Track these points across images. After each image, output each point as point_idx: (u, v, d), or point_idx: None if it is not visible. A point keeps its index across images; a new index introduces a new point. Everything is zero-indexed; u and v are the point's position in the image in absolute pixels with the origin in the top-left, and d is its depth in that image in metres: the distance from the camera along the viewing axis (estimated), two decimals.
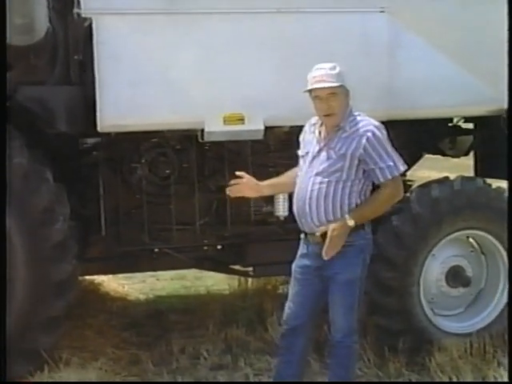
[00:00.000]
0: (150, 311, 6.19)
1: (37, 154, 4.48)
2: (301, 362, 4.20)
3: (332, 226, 3.84)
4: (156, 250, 5.17)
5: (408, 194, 5.15)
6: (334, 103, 3.84)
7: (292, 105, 4.40)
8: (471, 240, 5.29)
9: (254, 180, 4.12)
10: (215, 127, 4.45)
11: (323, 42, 4.66)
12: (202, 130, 4.56)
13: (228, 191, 4.15)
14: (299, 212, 3.96)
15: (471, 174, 5.61)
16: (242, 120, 4.50)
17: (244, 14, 4.53)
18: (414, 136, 5.47)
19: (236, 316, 5.63)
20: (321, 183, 3.87)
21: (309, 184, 3.90)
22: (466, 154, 5.87)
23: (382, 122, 4.85)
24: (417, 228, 4.91)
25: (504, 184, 5.14)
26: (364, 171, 3.88)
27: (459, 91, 4.95)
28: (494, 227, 5.09)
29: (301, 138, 4.09)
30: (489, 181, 5.25)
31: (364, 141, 3.82)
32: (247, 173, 4.87)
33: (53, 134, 4.64)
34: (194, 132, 4.65)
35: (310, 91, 3.88)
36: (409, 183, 5.80)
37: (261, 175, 4.62)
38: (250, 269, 5.40)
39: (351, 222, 3.83)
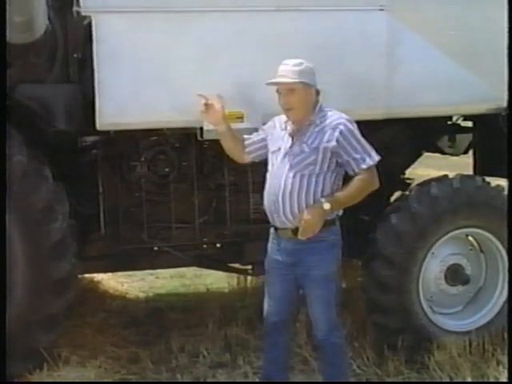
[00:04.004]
0: (150, 309, 6.19)
1: (36, 153, 4.47)
2: (286, 358, 4.30)
3: (308, 209, 3.88)
4: (155, 248, 5.16)
5: (407, 193, 5.16)
6: (291, 98, 3.91)
7: None
8: (470, 238, 5.29)
9: (221, 112, 4.17)
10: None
11: (322, 40, 4.66)
12: (201, 128, 4.55)
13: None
14: (271, 207, 3.99)
15: (470, 172, 5.60)
16: (241, 118, 4.49)
17: (243, 12, 4.53)
18: (413, 134, 5.47)
19: (235, 314, 5.64)
20: (294, 177, 3.92)
21: (282, 178, 3.94)
22: (465, 152, 5.87)
23: (382, 120, 4.91)
24: (416, 226, 4.91)
25: (503, 182, 5.14)
26: (336, 164, 3.94)
27: (458, 89, 4.95)
28: (493, 225, 5.10)
29: (270, 132, 4.14)
30: (488, 179, 5.25)
31: (337, 133, 3.89)
32: (246, 171, 4.90)
33: (52, 132, 4.63)
34: (193, 130, 4.65)
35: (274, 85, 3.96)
36: (408, 181, 5.80)
37: (260, 172, 4.61)
38: (250, 267, 5.40)
39: (327, 206, 3.88)
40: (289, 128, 4.03)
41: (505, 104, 4.97)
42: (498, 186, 5.19)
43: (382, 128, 5.15)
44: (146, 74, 4.43)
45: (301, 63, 3.93)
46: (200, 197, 5.11)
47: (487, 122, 5.28)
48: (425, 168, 8.39)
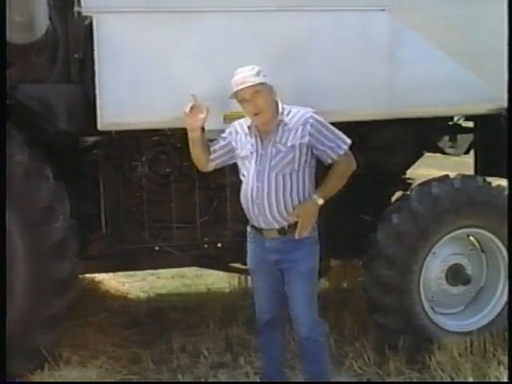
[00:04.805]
0: (151, 309, 6.20)
1: (37, 152, 4.48)
2: (282, 355, 4.37)
3: (302, 207, 3.97)
4: (156, 248, 5.16)
5: (408, 192, 5.15)
6: (258, 101, 3.96)
7: (291, 102, 4.39)
8: (471, 238, 5.29)
9: (201, 120, 4.16)
10: (215, 125, 4.44)
11: (324, 41, 4.66)
12: (203, 128, 4.55)
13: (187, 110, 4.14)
14: (255, 210, 4.04)
15: (471, 172, 5.60)
16: (241, 118, 4.49)
17: (244, 12, 4.53)
18: (415, 134, 5.47)
19: (236, 314, 5.63)
20: (276, 177, 3.99)
21: (264, 181, 3.99)
22: (467, 152, 5.87)
23: (383, 121, 4.91)
24: (417, 226, 4.91)
25: (504, 182, 5.14)
26: (311, 157, 4.02)
27: (460, 89, 4.94)
28: (494, 225, 5.09)
29: (233, 138, 4.17)
30: (489, 179, 5.25)
31: (308, 127, 3.98)
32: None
33: (53, 132, 4.64)
34: None
35: (236, 96, 4.01)
36: (409, 181, 5.80)
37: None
38: None
39: (320, 201, 4.00)
40: (255, 132, 4.07)
41: (505, 104, 4.96)
42: (498, 185, 5.19)
43: (384, 128, 5.15)
44: (147, 74, 4.43)
45: (254, 67, 4.00)
46: (201, 197, 5.11)
47: (488, 122, 5.28)
48: (426, 168, 8.37)
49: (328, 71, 4.66)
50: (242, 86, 3.96)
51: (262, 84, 3.96)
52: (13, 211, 4.31)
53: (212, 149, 4.26)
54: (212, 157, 4.27)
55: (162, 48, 4.45)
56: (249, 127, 4.11)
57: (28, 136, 4.46)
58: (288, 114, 4.03)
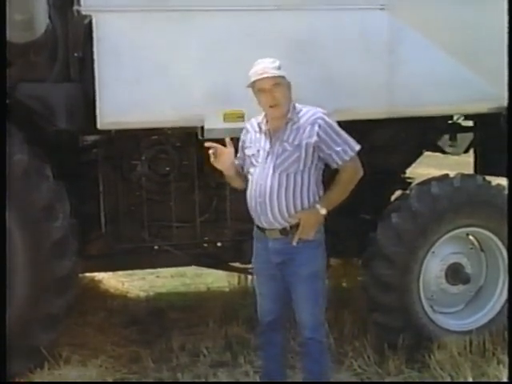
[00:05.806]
0: (150, 308, 6.19)
1: (37, 151, 4.48)
2: (283, 355, 4.33)
3: (305, 215, 3.91)
4: (156, 247, 5.17)
5: (408, 192, 5.16)
6: (277, 94, 3.90)
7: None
8: (471, 237, 5.29)
9: (231, 158, 4.04)
10: (215, 124, 4.45)
11: (323, 40, 4.66)
12: (202, 127, 4.56)
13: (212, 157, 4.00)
14: (258, 209, 3.98)
15: (471, 171, 5.60)
16: (242, 117, 4.49)
17: (244, 12, 4.53)
18: (414, 133, 5.47)
19: (236, 313, 5.63)
20: (280, 177, 3.92)
21: (268, 179, 3.93)
22: (466, 151, 5.87)
23: (383, 119, 4.92)
24: (416, 225, 4.91)
25: (504, 181, 5.14)
26: (318, 159, 3.94)
27: (459, 88, 4.94)
28: (493, 225, 5.09)
29: (245, 138, 4.10)
30: (489, 178, 5.25)
31: (316, 128, 3.90)
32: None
33: (53, 131, 4.64)
34: (193, 129, 4.65)
35: (253, 87, 3.94)
36: (408, 180, 5.80)
37: None
38: (250, 266, 5.40)
39: (323, 211, 3.92)
40: (264, 128, 4.02)
41: (505, 103, 4.97)
42: (498, 185, 5.19)
43: (383, 127, 5.15)
44: (147, 73, 4.43)
45: (275, 60, 3.95)
46: (200, 196, 5.12)
47: (488, 121, 5.28)
48: (425, 167, 8.39)
49: (328, 70, 4.67)
50: (262, 76, 3.88)
51: (282, 77, 3.91)
52: (13, 210, 4.31)
53: (237, 163, 4.13)
54: (240, 170, 4.15)
55: (162, 47, 4.45)
56: (259, 124, 4.05)
57: (28, 135, 4.46)
58: (298, 113, 3.96)
